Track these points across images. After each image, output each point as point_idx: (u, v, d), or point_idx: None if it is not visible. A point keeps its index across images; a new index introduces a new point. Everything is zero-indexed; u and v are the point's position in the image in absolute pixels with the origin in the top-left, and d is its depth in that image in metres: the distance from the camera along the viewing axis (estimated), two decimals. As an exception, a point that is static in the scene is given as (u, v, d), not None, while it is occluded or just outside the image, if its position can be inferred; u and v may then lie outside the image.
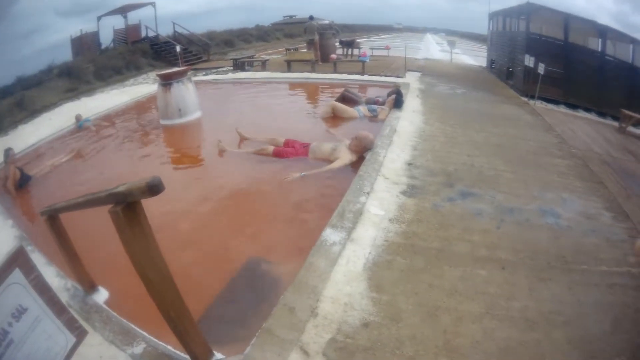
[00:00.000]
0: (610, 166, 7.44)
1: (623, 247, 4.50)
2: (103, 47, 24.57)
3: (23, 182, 7.23)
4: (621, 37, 15.19)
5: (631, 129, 11.53)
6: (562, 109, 13.75)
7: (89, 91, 17.48)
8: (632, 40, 14.96)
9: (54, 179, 7.55)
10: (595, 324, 3.29)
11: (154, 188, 1.81)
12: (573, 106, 14.26)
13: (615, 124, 12.20)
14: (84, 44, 23.60)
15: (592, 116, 13.75)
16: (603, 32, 14.98)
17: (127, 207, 1.99)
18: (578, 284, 3.75)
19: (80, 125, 10.64)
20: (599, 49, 15.18)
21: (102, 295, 3.68)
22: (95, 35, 24.43)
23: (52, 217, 3.26)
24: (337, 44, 22.07)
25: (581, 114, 13.77)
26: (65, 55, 22.02)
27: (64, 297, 3.49)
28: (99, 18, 24.43)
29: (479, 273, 3.80)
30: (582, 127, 10.61)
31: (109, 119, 11.77)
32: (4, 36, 24.11)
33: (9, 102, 15.26)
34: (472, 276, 3.75)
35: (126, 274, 2.41)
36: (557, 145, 8.13)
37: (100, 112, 12.11)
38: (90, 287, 3.67)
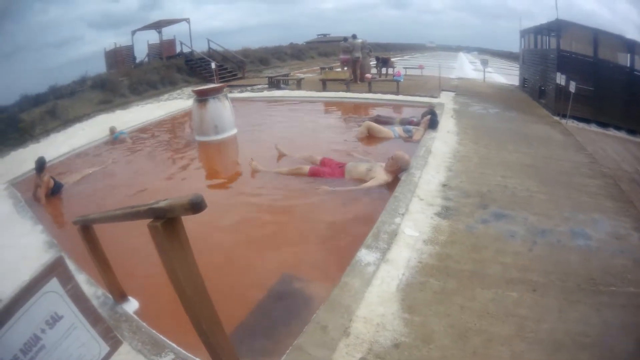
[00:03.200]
0: (639, 185, 7.35)
1: None
2: (138, 61, 25.23)
3: (55, 191, 7.41)
4: (648, 51, 14.91)
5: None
6: (593, 127, 13.50)
7: (124, 104, 17.90)
8: (661, 54, 14.67)
9: (85, 188, 7.75)
10: (621, 344, 3.29)
11: (196, 206, 1.79)
12: (604, 124, 14.01)
13: (646, 141, 11.97)
14: (119, 57, 24.33)
15: (622, 134, 13.48)
16: (631, 46, 14.66)
17: (167, 222, 1.98)
18: (605, 306, 3.74)
19: (115, 137, 10.88)
20: (628, 65, 14.91)
21: (132, 305, 3.77)
22: (129, 49, 25.14)
23: (86, 227, 3.35)
24: (373, 61, 22.14)
25: (611, 132, 13.51)
26: (99, 67, 22.70)
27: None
28: (134, 32, 25.09)
29: (510, 295, 3.82)
30: (612, 146, 10.45)
31: (144, 132, 12.01)
32: (35, 43, 24.75)
33: (42, 110, 15.61)
34: (504, 298, 3.78)
35: (156, 284, 2.47)
36: (588, 165, 8.05)
37: (135, 125, 12.42)
38: (120, 296, 3.76)
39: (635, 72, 14.64)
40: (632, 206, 6.16)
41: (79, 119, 15.33)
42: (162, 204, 1.93)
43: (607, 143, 10.69)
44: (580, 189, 6.74)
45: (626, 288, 4.07)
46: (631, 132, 13.68)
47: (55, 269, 2.32)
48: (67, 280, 2.38)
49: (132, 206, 2.29)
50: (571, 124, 12.42)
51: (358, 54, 18.82)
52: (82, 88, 19.20)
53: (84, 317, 2.42)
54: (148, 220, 2.03)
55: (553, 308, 3.68)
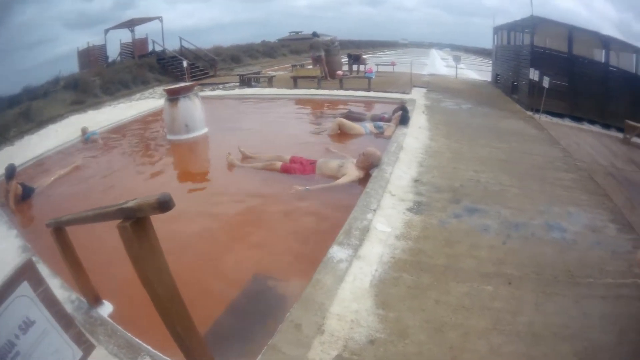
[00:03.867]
0: (615, 178, 7.42)
1: (628, 258, 4.50)
2: (110, 60, 25.00)
3: (26, 195, 7.26)
4: (624, 47, 15.16)
5: (636, 139, 11.49)
6: (567, 122, 13.72)
7: (96, 104, 17.73)
8: (636, 50, 14.93)
9: (58, 190, 7.60)
10: (601, 335, 3.29)
11: (164, 204, 1.79)
12: (578, 119, 14.22)
13: (620, 135, 12.15)
14: (91, 57, 24.07)
15: (596, 128, 13.70)
16: (606, 42, 14.95)
17: (136, 222, 1.97)
18: (584, 297, 3.76)
19: (87, 138, 10.71)
20: (603, 60, 15.17)
21: (106, 308, 3.70)
22: (102, 49, 24.88)
23: (58, 229, 3.28)
24: (345, 58, 22.27)
25: (586, 126, 13.71)
26: (72, 67, 22.51)
27: (68, 309, 3.52)
28: (106, 31, 24.87)
29: (485, 289, 3.80)
30: (587, 140, 10.59)
31: (116, 132, 11.87)
32: (10, 45, 24.50)
33: (15, 112, 15.42)
34: (479, 292, 3.76)
35: (130, 287, 2.42)
36: (562, 158, 8.12)
37: (107, 126, 12.23)
38: (94, 300, 3.69)
39: (610, 67, 14.95)
40: (608, 199, 6.23)
41: (52, 120, 15.09)
42: (130, 204, 1.91)
43: (581, 137, 10.83)
44: (554, 183, 6.79)
45: (604, 279, 4.11)
46: (606, 126, 13.94)
47: (25, 273, 2.30)
48: (37, 283, 2.35)
49: (102, 207, 2.27)
50: (544, 118, 12.56)
51: (319, 53, 18.89)
52: (56, 89, 19.01)
53: (56, 322, 2.39)
54: (119, 221, 2.01)
55: (529, 301, 3.66)
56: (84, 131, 10.93)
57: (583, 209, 5.78)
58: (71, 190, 7.54)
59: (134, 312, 3.52)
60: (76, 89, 18.93)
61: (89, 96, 18.64)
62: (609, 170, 7.88)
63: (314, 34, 19.55)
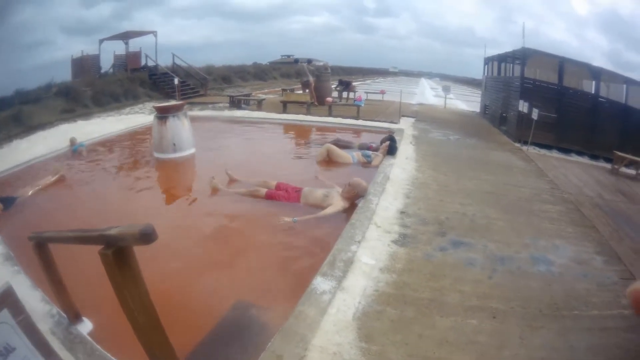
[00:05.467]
0: (601, 209, 7.55)
1: (615, 289, 4.62)
2: (103, 71, 25.13)
3: (7, 206, 7.15)
4: (614, 78, 15.55)
5: (624, 170, 11.70)
6: (555, 153, 13.97)
7: (86, 115, 17.70)
8: (626, 80, 15.28)
9: (41, 202, 7.51)
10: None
11: (146, 237, 1.79)
12: (566, 150, 14.46)
13: (608, 165, 12.39)
14: (85, 66, 24.23)
15: (584, 159, 13.96)
16: (597, 74, 15.31)
17: (118, 251, 1.98)
18: (570, 330, 3.83)
19: (75, 149, 10.67)
20: (593, 91, 15.50)
21: (86, 326, 3.67)
22: (96, 59, 25.05)
23: (40, 245, 3.27)
24: (335, 84, 22.65)
25: (574, 157, 13.97)
26: (65, 74, 22.64)
27: (48, 324, 3.55)
28: (101, 41, 25.02)
29: (469, 323, 3.85)
30: (574, 171, 10.75)
31: (104, 145, 11.82)
32: (6, 44, 24.64)
33: (6, 114, 15.38)
34: (463, 326, 3.80)
35: (111, 305, 2.44)
36: (549, 191, 8.27)
37: (95, 138, 12.15)
38: (74, 317, 3.67)
39: (600, 99, 15.30)
40: (594, 231, 6.37)
41: (42, 126, 15.00)
42: (113, 232, 1.92)
43: (568, 169, 11.00)
44: (540, 215, 6.91)
45: (590, 311, 4.19)
46: (594, 157, 14.19)
47: (4, 300, 2.31)
48: (18, 311, 2.37)
49: (85, 230, 2.30)
50: (532, 150, 12.78)
51: (307, 78, 19.28)
52: (47, 95, 19.03)
53: (36, 350, 2.40)
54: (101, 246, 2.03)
55: (514, 334, 3.72)
56: (72, 142, 10.89)
57: (569, 242, 5.90)
58: (54, 202, 7.49)
59: (113, 331, 3.52)
60: (68, 97, 18.99)
61: (80, 106, 18.72)
62: (595, 201, 8.02)
63: (296, 60, 19.89)
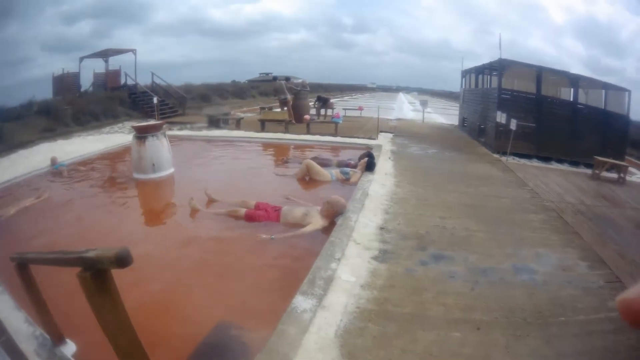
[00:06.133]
0: (584, 215, 7.62)
1: (601, 293, 4.66)
2: (83, 89, 25.10)
3: None
4: (593, 84, 15.81)
5: (605, 174, 11.85)
6: (535, 162, 14.11)
7: (66, 134, 17.62)
8: (604, 86, 15.56)
9: (22, 222, 7.43)
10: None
11: (121, 260, 1.79)
12: (546, 159, 14.61)
13: (589, 171, 12.55)
14: (65, 84, 24.24)
15: (565, 167, 14.12)
16: (575, 81, 15.56)
17: (96, 273, 1.97)
18: (556, 337, 3.83)
19: (56, 168, 10.60)
20: (571, 99, 15.76)
21: (70, 348, 3.61)
22: (76, 77, 25.04)
23: (22, 266, 3.23)
24: (314, 101, 22.89)
25: (554, 165, 14.13)
26: (46, 92, 22.78)
27: (32, 345, 3.49)
28: (81, 59, 25.05)
29: (453, 335, 3.83)
30: (555, 179, 10.86)
31: (84, 165, 11.75)
32: None
33: None
34: (447, 339, 3.77)
35: (95, 328, 2.40)
36: (530, 200, 8.33)
37: (75, 158, 12.07)
38: (58, 339, 3.60)
39: (579, 105, 15.52)
40: (577, 237, 6.42)
41: (23, 145, 14.83)
42: (90, 254, 1.92)
43: (549, 177, 11.11)
44: (522, 225, 6.94)
45: (577, 317, 4.21)
46: (574, 163, 14.36)
47: None
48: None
49: (64, 252, 2.29)
50: (512, 160, 12.89)
51: (284, 96, 19.39)
52: (29, 113, 19.07)
53: None
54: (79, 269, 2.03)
55: (500, 345, 3.70)
56: (53, 161, 10.82)
57: (552, 249, 5.92)
58: (35, 222, 7.40)
59: (97, 354, 3.45)
60: (48, 116, 19.01)
61: (60, 124, 18.70)
62: (578, 207, 8.08)
63: (275, 78, 19.94)
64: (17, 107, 19.39)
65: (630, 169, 13.04)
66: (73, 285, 2.63)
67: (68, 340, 3.66)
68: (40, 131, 17.16)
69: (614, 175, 12.04)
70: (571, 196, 9.06)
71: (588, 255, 5.74)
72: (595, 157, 12.06)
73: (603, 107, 15.53)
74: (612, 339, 3.82)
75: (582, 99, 16.06)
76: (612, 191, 10.25)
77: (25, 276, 3.25)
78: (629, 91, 15.59)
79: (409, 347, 3.62)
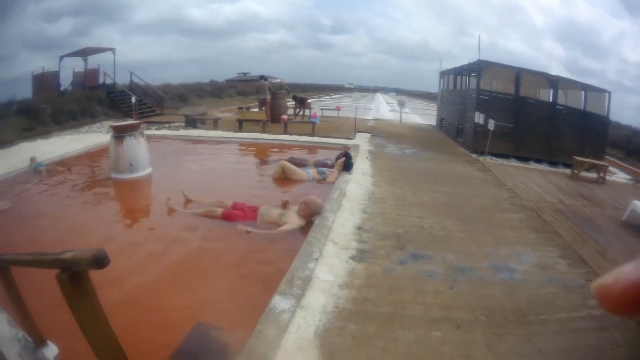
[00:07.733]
0: (563, 214, 7.72)
1: (582, 291, 4.72)
2: (62, 88, 24.86)
3: None
4: (572, 85, 16.06)
5: (585, 174, 12.02)
6: (513, 162, 14.27)
7: (45, 133, 17.49)
8: (584, 87, 15.80)
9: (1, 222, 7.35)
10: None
11: (99, 261, 1.81)
12: (524, 159, 14.78)
13: (568, 171, 12.74)
14: (45, 83, 24.03)
15: (543, 166, 14.31)
16: (554, 82, 15.79)
17: (74, 275, 1.97)
18: (537, 334, 3.88)
19: (35, 168, 10.50)
20: (550, 100, 15.98)
21: (51, 350, 3.53)
22: (55, 76, 24.77)
23: (1, 268, 3.17)
24: (291, 100, 22.92)
25: (532, 165, 14.31)
26: (26, 90, 22.68)
27: (15, 347, 3.44)
28: (61, 58, 24.78)
29: (433, 335, 3.84)
30: (534, 179, 10.99)
31: (62, 165, 11.67)
32: None
33: None
34: (427, 338, 3.79)
35: (76, 329, 2.38)
36: (508, 199, 8.41)
37: (54, 157, 11.93)
38: (39, 341, 3.52)
39: (558, 106, 15.76)
40: (557, 236, 6.50)
41: (2, 144, 14.67)
42: (67, 256, 1.93)
43: (527, 176, 11.24)
44: (501, 224, 7.01)
45: (558, 315, 4.27)
46: (552, 163, 14.56)
47: None
48: None
49: (41, 253, 2.32)
50: (490, 160, 13.00)
51: (264, 96, 19.48)
52: (8, 112, 18.94)
53: None
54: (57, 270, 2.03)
55: (480, 343, 3.73)
56: (32, 161, 10.73)
57: (532, 248, 6.00)
58: (13, 224, 7.26)
59: (79, 355, 3.42)
60: (28, 115, 18.88)
61: (39, 124, 18.56)
62: (557, 207, 8.18)
63: (262, 77, 19.90)
64: None
65: (611, 168, 13.28)
66: (53, 287, 2.61)
67: (49, 343, 3.60)
68: (19, 131, 16.99)
69: (593, 175, 12.24)
70: (550, 195, 9.19)
71: (568, 253, 5.83)
72: (574, 157, 12.23)
73: (582, 108, 15.79)
74: (594, 337, 3.88)
75: (561, 100, 16.32)
76: (591, 191, 10.41)
77: (4, 278, 3.20)
78: (609, 92, 15.95)
79: (389, 347, 3.64)
